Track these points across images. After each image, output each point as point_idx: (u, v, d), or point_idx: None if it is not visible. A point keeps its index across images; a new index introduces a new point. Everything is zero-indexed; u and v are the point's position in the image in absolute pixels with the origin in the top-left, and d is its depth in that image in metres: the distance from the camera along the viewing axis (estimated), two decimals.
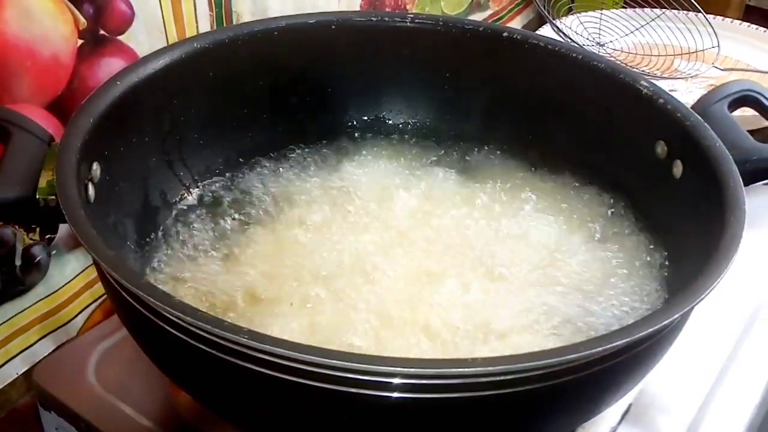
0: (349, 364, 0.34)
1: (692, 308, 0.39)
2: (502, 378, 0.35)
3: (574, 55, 0.58)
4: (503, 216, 0.56)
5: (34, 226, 0.58)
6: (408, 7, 0.88)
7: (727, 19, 1.00)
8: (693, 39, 0.93)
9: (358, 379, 0.35)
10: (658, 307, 0.50)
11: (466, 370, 0.35)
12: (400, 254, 0.53)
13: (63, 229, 0.60)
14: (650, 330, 0.37)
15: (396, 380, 0.35)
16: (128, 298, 0.39)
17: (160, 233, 0.54)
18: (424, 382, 0.36)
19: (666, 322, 0.37)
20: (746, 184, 0.47)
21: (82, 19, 0.56)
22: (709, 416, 0.54)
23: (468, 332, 0.47)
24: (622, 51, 0.95)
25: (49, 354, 0.61)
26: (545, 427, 0.43)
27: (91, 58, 0.58)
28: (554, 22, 0.95)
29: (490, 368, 0.35)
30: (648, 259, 0.53)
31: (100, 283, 0.64)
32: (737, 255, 0.41)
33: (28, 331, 0.61)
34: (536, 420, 0.41)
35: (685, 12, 0.97)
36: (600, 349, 0.36)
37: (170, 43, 0.62)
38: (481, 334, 0.47)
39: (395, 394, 0.36)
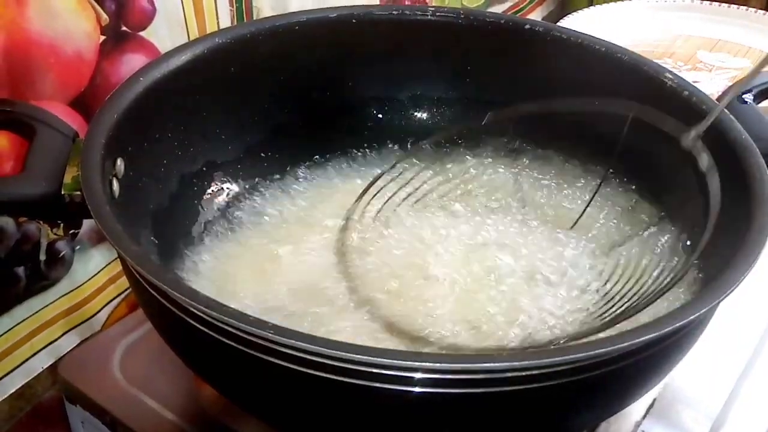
0: (371, 358, 0.34)
1: (718, 304, 0.39)
2: (525, 373, 0.35)
3: (597, 47, 0.58)
4: (528, 208, 0.56)
5: (58, 222, 0.58)
6: (428, 0, 0.87)
7: (750, 9, 0.98)
8: (716, 29, 0.92)
9: (380, 373, 0.35)
10: (683, 302, 0.49)
11: (489, 365, 0.35)
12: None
13: (87, 224, 0.61)
14: (676, 325, 0.37)
15: (418, 375, 0.35)
16: (153, 292, 0.39)
17: (183, 227, 0.54)
18: (446, 377, 0.36)
19: (692, 317, 0.37)
20: None
21: (104, 16, 0.56)
22: (734, 411, 0.53)
23: None
24: (644, 42, 0.94)
25: (73, 348, 0.62)
26: (569, 422, 0.43)
27: (113, 54, 0.58)
28: None
29: (513, 363, 0.35)
30: (673, 252, 0.53)
31: (123, 278, 0.64)
32: (765, 249, 0.41)
33: (52, 326, 0.61)
34: (560, 415, 0.41)
35: (708, 2, 0.96)
36: (626, 344, 0.35)
37: (191, 38, 0.62)
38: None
39: (417, 389, 0.36)
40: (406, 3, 0.84)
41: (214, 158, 0.58)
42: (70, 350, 0.62)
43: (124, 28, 0.58)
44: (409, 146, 0.63)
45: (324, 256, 0.53)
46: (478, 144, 0.62)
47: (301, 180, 0.60)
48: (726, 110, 0.51)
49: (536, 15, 1.06)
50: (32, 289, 0.59)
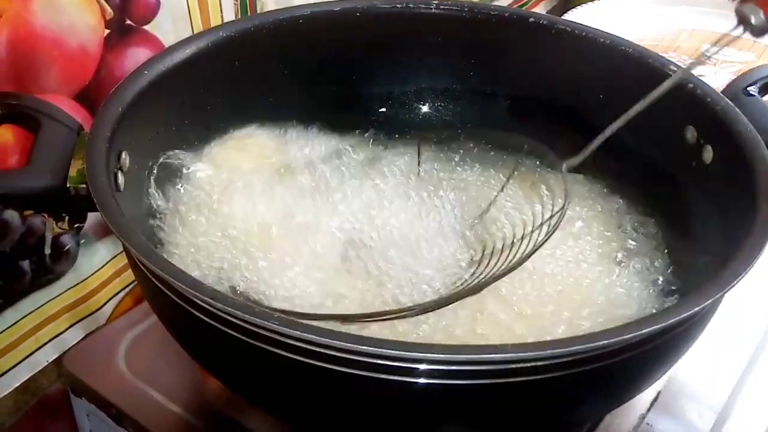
0: (375, 349, 0.34)
1: (723, 295, 0.39)
2: (530, 365, 0.35)
3: (602, 40, 0.58)
4: (530, 204, 0.55)
5: (63, 215, 0.58)
6: None
7: None
8: (720, 23, 0.92)
9: (384, 364, 0.35)
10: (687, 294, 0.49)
11: (493, 356, 0.35)
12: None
13: (91, 217, 0.61)
14: (680, 317, 0.37)
15: (422, 366, 0.35)
16: (159, 284, 0.39)
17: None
18: (449, 368, 0.36)
19: (696, 309, 0.37)
20: None
21: (109, 9, 0.56)
22: (739, 403, 0.53)
23: None
24: (648, 36, 0.94)
25: (79, 341, 0.62)
26: (574, 413, 0.43)
27: (117, 47, 0.58)
28: None
29: (518, 354, 0.35)
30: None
31: (128, 271, 0.64)
32: None
33: (58, 319, 0.61)
34: (565, 406, 0.41)
35: None
36: (630, 336, 0.35)
37: (195, 32, 0.62)
38: None
39: (421, 380, 0.36)
40: None
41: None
42: (76, 344, 0.62)
43: (128, 22, 0.58)
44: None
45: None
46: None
47: (305, 173, 0.60)
48: (731, 103, 0.51)
49: (540, 8, 1.06)
50: (37, 283, 0.59)
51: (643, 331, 0.36)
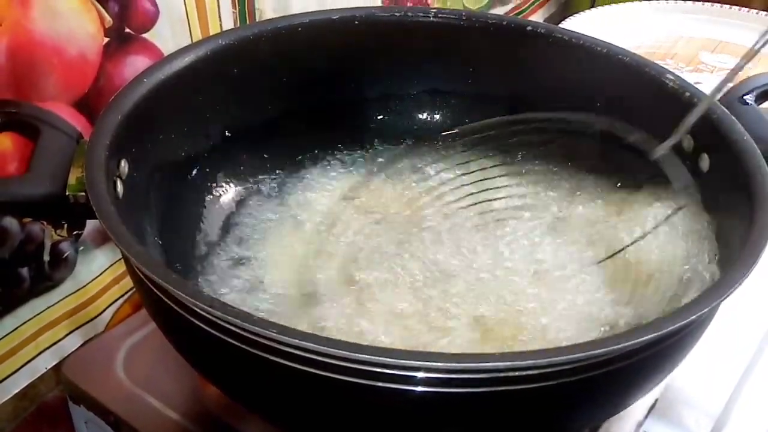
0: (373, 357, 0.34)
1: (719, 303, 0.39)
2: (527, 373, 0.35)
3: (599, 48, 0.58)
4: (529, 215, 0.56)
5: (62, 223, 0.59)
6: (430, 2, 0.88)
7: (752, 10, 0.99)
8: (718, 30, 0.92)
9: (382, 372, 0.35)
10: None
11: (491, 365, 0.35)
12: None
13: (90, 225, 0.61)
14: (677, 325, 0.37)
15: (420, 374, 0.35)
16: (157, 292, 0.39)
17: (187, 227, 0.55)
18: (448, 376, 0.36)
19: (693, 317, 0.37)
20: None
21: (108, 17, 0.57)
22: (736, 411, 0.53)
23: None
24: (645, 43, 0.95)
25: (77, 348, 0.62)
26: (570, 421, 0.43)
27: (116, 55, 0.58)
28: None
29: (515, 363, 0.35)
30: None
31: (127, 278, 0.64)
32: (765, 250, 0.41)
33: (56, 326, 0.62)
34: (561, 414, 0.41)
35: (709, 4, 0.96)
36: (627, 344, 0.36)
37: (194, 40, 0.62)
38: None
39: (419, 388, 0.36)
40: (408, 5, 0.84)
41: (217, 159, 0.58)
42: (74, 350, 0.62)
43: (127, 30, 0.58)
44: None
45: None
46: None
47: (303, 180, 0.60)
48: (727, 111, 0.51)
49: (538, 17, 1.07)
50: (36, 290, 0.59)
51: (641, 339, 0.36)
